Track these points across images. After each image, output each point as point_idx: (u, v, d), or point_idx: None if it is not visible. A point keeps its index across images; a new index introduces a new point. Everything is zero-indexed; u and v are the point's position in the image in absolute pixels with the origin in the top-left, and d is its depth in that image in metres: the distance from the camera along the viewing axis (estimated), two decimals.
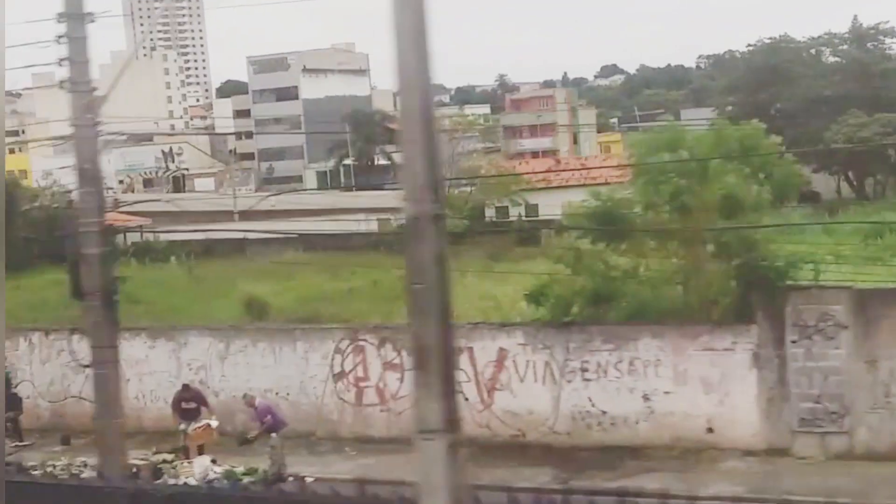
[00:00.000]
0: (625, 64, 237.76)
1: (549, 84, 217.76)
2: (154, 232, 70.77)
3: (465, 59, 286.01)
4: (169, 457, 25.67)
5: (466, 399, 25.48)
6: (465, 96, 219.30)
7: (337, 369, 26.96)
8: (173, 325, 29.27)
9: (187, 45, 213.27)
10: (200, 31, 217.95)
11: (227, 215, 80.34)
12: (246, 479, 24.22)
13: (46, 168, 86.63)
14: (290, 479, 24.06)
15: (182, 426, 26.16)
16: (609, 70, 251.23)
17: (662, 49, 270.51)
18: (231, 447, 25.55)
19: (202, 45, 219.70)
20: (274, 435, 24.59)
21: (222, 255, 63.34)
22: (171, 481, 23.79)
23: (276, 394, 27.31)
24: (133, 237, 73.15)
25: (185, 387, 26.68)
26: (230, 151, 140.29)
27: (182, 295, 44.33)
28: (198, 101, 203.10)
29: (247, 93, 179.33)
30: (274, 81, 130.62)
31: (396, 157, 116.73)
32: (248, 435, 25.03)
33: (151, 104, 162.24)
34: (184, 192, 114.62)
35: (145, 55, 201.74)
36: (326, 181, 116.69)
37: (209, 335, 28.08)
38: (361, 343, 26.79)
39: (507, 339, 25.49)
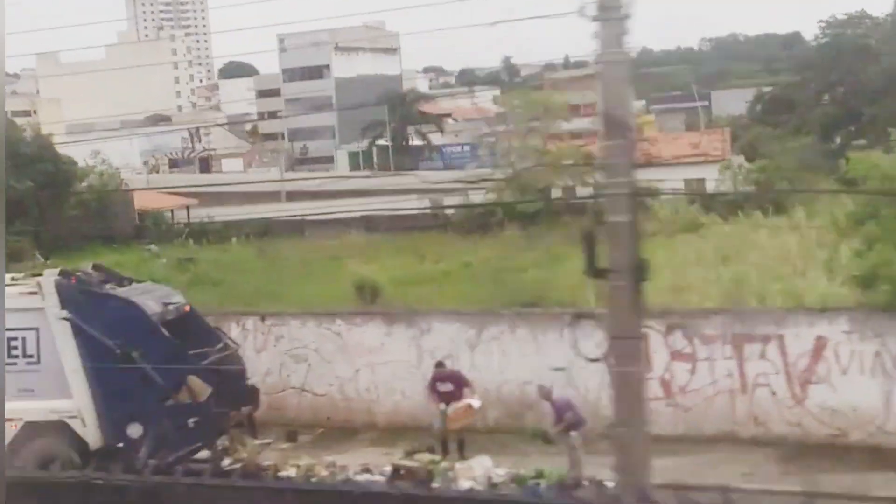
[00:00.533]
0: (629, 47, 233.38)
1: (550, 66, 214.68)
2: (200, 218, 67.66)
3: (463, 42, 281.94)
4: (436, 457, 22.55)
5: (774, 394, 22.40)
6: (469, 78, 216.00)
7: None
8: (413, 310, 26.00)
9: (189, 25, 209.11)
10: (203, 10, 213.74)
11: (272, 196, 77.13)
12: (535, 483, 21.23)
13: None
14: (586, 483, 20.96)
15: (441, 406, 23.10)
16: None
17: (665, 31, 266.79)
18: (481, 444, 22.73)
19: (204, 26, 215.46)
20: (574, 433, 21.43)
21: (280, 235, 60.94)
22: (441, 485, 20.65)
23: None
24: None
25: (440, 365, 23.57)
26: (250, 132, 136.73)
27: (262, 276, 41.68)
28: (201, 81, 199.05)
29: (257, 73, 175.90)
30: (303, 60, 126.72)
31: (432, 138, 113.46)
32: (544, 431, 21.86)
33: (160, 85, 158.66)
34: (211, 172, 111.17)
35: (147, 35, 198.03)
36: (359, 162, 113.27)
37: (456, 320, 24.84)
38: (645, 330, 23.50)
39: (827, 327, 22.31)
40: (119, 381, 21.52)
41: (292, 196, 75.75)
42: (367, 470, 22.70)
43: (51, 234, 60.61)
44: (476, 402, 23.29)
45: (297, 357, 25.79)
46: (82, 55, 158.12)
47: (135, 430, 21.45)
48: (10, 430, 21.53)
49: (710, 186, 61.75)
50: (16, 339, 21.79)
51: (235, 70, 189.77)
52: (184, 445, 21.51)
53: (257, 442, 23.69)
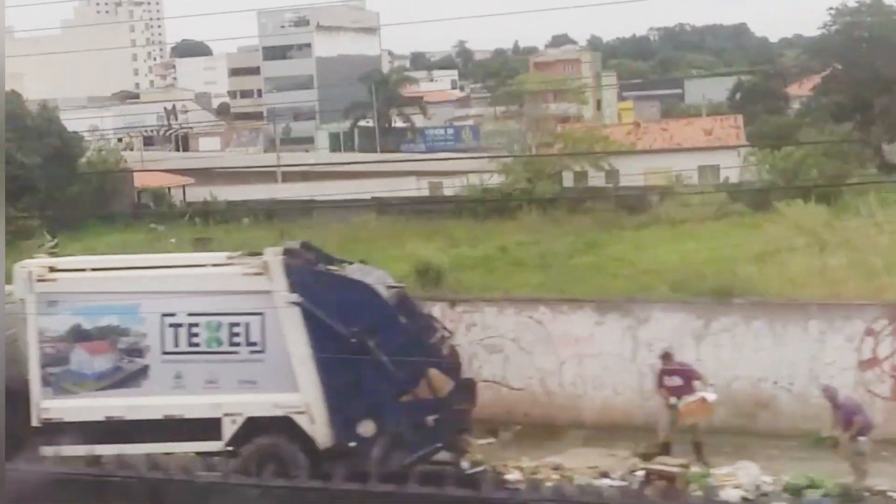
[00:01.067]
0: (576, 35, 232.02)
1: (500, 52, 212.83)
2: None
3: (413, 27, 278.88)
4: (682, 461, 20.51)
5: None
6: (423, 62, 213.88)
7: (867, 355, 21.84)
8: (630, 298, 23.89)
9: (144, 2, 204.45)
10: None
11: (261, 176, 74.63)
12: (813, 494, 19.28)
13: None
14: (868, 493, 19.14)
15: (672, 400, 21.11)
16: (561, 39, 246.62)
17: (614, 19, 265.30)
18: (714, 446, 20.97)
19: (158, 2, 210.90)
20: (863, 439, 19.50)
21: (285, 217, 58.87)
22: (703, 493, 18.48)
23: (775, 383, 22.21)
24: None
25: (667, 357, 21.52)
26: (218, 110, 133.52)
27: None
28: (155, 59, 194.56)
29: (210, 53, 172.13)
30: (283, 39, 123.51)
31: (416, 119, 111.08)
32: (832, 437, 19.88)
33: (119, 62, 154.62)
34: (189, 150, 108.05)
35: (107, 11, 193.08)
36: (340, 143, 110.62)
37: (680, 310, 22.79)
38: None
39: None
40: (351, 374, 19.28)
41: (285, 177, 73.35)
42: (604, 475, 20.68)
43: (60, 211, 57.82)
44: (711, 396, 21.33)
45: (492, 347, 23.63)
46: (39, 33, 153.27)
47: (367, 429, 19.22)
48: (231, 427, 19.21)
49: (727, 173, 60.46)
50: (238, 325, 19.45)
51: (189, 49, 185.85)
52: (422, 446, 19.30)
53: (482, 442, 21.56)
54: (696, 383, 21.42)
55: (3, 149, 6.82)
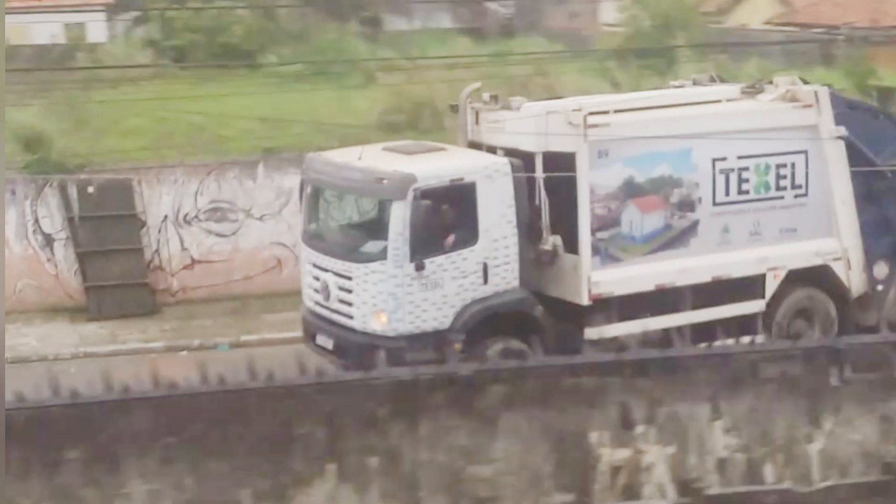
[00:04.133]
0: None
1: None
2: None
3: None
4: None
5: None
6: None
7: None
8: None
9: None
10: None
11: None
12: None
13: None
14: None
15: None
16: None
17: None
18: None
19: None
20: None
21: None
22: None
23: None
24: None
25: None
26: None
27: None
28: None
29: None
30: None
31: None
32: None
33: None
34: None
35: None
36: None
37: None
38: None
39: None
40: (879, 212, 17.97)
41: None
42: None
43: None
44: None
45: None
46: None
47: (881, 271, 18.15)
48: (773, 283, 17.20)
49: None
50: (784, 166, 17.09)
51: None
52: None
53: None
54: None
55: (3, 149, 5.67)
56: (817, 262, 17.34)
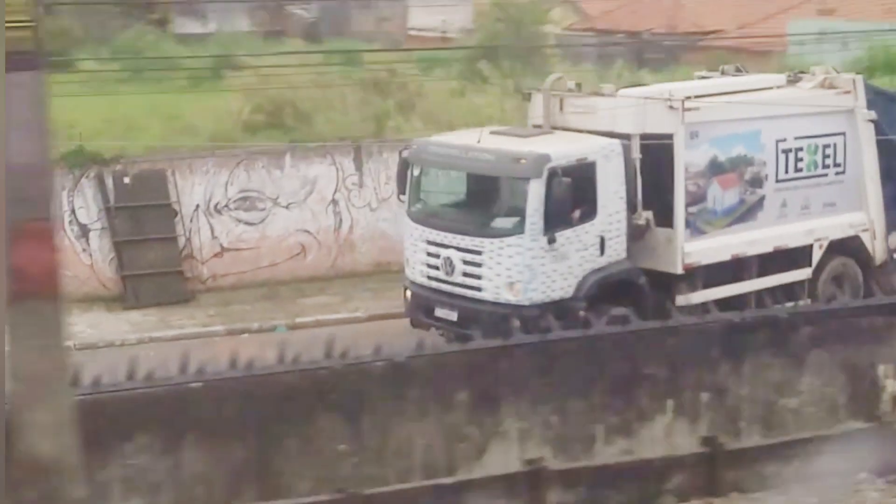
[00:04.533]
0: None
1: None
2: None
3: None
4: None
5: None
6: None
7: None
8: None
9: None
10: None
11: None
12: None
13: None
14: None
15: None
16: None
17: None
18: None
19: None
20: None
21: None
22: None
23: None
24: None
25: None
26: None
27: None
28: None
29: None
30: None
31: None
32: None
33: None
34: None
35: None
36: None
37: None
38: None
39: None
40: (894, 190, 20.11)
41: None
42: None
43: None
44: None
45: None
46: None
47: (894, 241, 20.32)
48: (818, 252, 19.15)
49: None
50: (829, 146, 19.04)
51: None
52: None
53: None
54: None
55: (4, 150, 6.55)
56: (851, 233, 19.21)
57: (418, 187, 17.45)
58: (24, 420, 6.84)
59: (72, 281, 20.85)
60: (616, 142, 16.66)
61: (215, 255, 22.02)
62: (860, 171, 19.15)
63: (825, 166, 18.78)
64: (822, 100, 18.76)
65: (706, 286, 17.25)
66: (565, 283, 16.21)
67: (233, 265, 22.07)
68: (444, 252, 16.72)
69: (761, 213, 18.14)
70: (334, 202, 22.61)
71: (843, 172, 19.02)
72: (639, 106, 17.01)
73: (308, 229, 22.36)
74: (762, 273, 18.04)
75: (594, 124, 17.36)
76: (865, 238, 19.34)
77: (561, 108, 17.89)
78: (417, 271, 17.28)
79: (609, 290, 16.58)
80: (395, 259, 20.27)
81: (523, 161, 15.97)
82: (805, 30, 33.49)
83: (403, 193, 17.80)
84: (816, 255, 18.77)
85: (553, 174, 15.82)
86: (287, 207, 22.32)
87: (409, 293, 17.55)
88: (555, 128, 17.89)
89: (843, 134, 18.90)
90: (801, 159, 18.47)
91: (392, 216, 21.78)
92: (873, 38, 30.59)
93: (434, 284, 16.99)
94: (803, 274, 18.64)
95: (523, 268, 15.96)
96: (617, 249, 16.68)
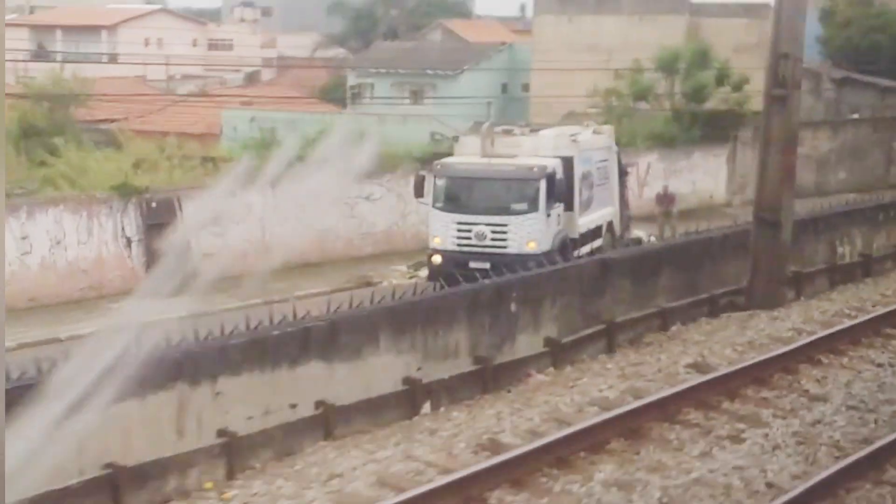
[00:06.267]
0: None
1: None
2: None
3: None
4: None
5: None
6: None
7: None
8: None
9: None
10: None
11: None
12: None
13: None
14: None
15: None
16: None
17: None
18: None
19: None
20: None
21: None
22: None
23: None
24: None
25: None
26: None
27: None
28: None
29: None
30: None
31: None
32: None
33: None
34: None
35: None
36: None
37: None
38: None
39: None
40: None
41: None
42: None
43: None
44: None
45: None
46: None
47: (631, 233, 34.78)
48: (603, 228, 33.02)
49: None
50: (603, 167, 32.86)
51: None
52: None
53: None
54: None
55: (4, 144, 6.32)
56: (609, 219, 32.97)
57: (444, 191, 27.97)
58: None
59: (120, 279, 28.72)
60: (559, 160, 28.77)
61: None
62: (613, 183, 32.65)
63: (604, 178, 32.04)
64: (601, 140, 32.06)
65: (583, 244, 29.59)
66: (550, 240, 28.04)
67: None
68: (475, 228, 27.56)
69: (592, 204, 31.00)
70: None
71: (608, 183, 32.44)
72: (556, 139, 29.16)
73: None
74: (594, 238, 30.76)
75: (519, 153, 29.23)
76: (615, 221, 32.90)
77: (493, 144, 29.51)
78: (449, 242, 27.84)
79: (559, 245, 28.73)
80: None
81: (535, 169, 27.60)
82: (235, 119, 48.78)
83: (420, 196, 28.30)
84: (602, 230, 31.98)
85: (549, 176, 27.68)
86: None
87: (436, 257, 28.02)
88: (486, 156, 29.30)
89: (608, 160, 32.33)
90: (599, 173, 31.64)
91: None
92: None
93: (466, 249, 27.57)
94: (599, 241, 31.73)
95: (537, 231, 27.46)
96: (560, 222, 28.90)
